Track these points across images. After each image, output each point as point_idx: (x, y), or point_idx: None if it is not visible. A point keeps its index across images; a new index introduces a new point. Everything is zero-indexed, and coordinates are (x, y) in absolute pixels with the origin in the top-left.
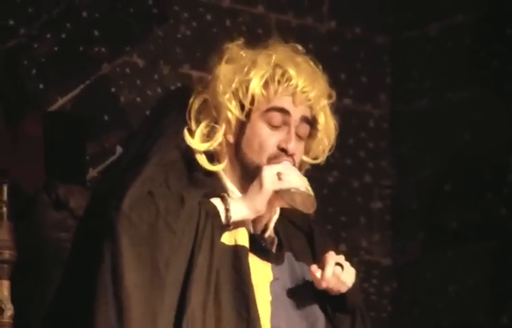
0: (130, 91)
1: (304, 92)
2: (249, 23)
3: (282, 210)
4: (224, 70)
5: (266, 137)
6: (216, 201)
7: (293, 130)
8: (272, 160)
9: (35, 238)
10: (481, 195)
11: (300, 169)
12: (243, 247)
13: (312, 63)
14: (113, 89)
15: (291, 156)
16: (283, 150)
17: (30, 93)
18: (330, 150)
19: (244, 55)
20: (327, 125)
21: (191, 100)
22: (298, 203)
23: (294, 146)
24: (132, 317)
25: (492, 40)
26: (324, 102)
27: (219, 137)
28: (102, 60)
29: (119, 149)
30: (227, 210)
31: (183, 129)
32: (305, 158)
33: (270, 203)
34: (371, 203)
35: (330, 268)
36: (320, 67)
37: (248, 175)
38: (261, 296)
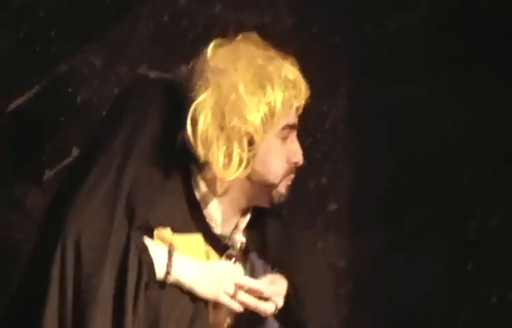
0: (87, 92)
1: (303, 100)
2: (206, 23)
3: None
4: (241, 89)
5: (280, 156)
6: (159, 252)
7: (296, 139)
8: (285, 178)
9: None
10: (438, 196)
11: None
12: (203, 301)
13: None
14: (70, 89)
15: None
16: (294, 163)
17: None
18: None
19: (243, 63)
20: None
21: (192, 117)
22: None
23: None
24: None
25: (450, 38)
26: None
27: (244, 163)
28: (58, 60)
29: (75, 150)
30: (168, 273)
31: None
32: None
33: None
34: (327, 205)
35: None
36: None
37: (257, 192)
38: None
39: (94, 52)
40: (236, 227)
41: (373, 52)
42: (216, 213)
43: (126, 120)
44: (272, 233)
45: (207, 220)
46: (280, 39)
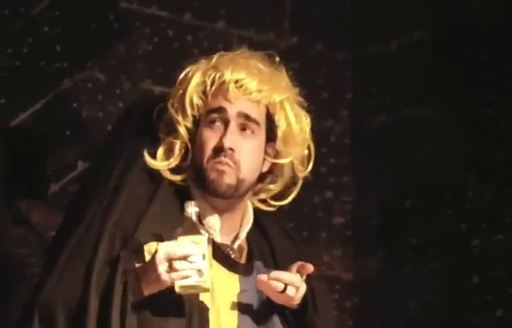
0: (91, 107)
1: (240, 86)
2: (210, 38)
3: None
4: (177, 86)
5: (206, 140)
6: None
7: (231, 126)
8: (210, 161)
9: None
10: (441, 211)
11: (269, 172)
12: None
13: (263, 63)
14: (75, 104)
15: (231, 152)
16: (220, 149)
17: None
18: (306, 154)
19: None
20: (289, 124)
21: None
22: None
23: (232, 141)
24: None
25: (451, 57)
26: (278, 97)
27: (177, 152)
28: (63, 75)
29: (80, 164)
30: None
31: (145, 144)
32: (270, 159)
33: None
34: (332, 219)
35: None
36: (283, 70)
37: (199, 181)
38: (227, 309)
39: (99, 67)
40: (236, 237)
41: (376, 68)
42: (214, 220)
43: (127, 144)
44: (279, 245)
45: (207, 227)
46: (283, 56)
